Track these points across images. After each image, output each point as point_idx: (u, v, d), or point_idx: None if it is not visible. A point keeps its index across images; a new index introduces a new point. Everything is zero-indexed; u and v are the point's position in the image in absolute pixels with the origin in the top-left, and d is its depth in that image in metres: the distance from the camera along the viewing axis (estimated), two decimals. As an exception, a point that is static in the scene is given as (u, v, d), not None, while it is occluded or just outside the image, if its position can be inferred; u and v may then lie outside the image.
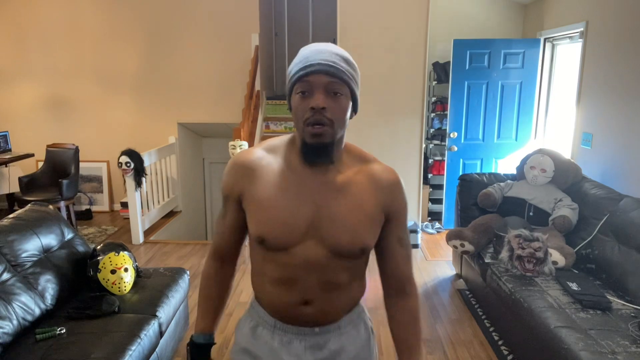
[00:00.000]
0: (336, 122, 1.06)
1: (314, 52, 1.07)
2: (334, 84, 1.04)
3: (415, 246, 4.48)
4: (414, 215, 4.89)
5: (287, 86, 1.10)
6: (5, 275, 2.26)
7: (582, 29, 3.79)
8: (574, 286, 2.58)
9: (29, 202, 4.23)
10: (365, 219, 1.14)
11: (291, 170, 1.14)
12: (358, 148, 1.21)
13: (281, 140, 1.20)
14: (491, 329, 3.01)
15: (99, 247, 2.68)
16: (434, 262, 4.15)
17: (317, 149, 1.08)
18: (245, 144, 4.33)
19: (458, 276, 3.81)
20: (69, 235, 2.76)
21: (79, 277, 2.60)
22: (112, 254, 2.60)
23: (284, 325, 1.21)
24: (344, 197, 1.13)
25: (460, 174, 4.14)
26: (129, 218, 4.67)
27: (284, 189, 1.13)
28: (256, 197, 1.14)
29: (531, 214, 3.32)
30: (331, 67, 1.04)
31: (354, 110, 1.12)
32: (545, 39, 4.58)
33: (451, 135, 4.82)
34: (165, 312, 2.48)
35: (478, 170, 4.85)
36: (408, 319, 1.24)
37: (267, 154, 1.18)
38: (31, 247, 2.46)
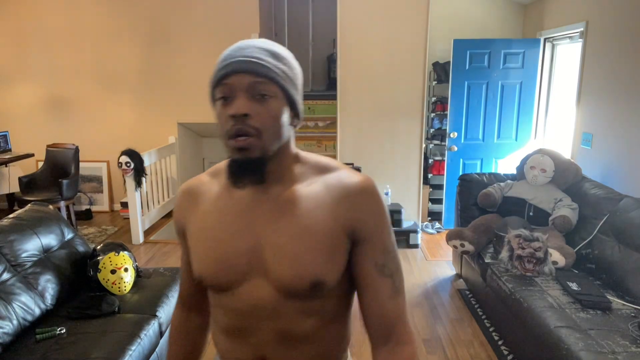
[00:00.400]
0: (265, 132, 0.85)
1: (235, 49, 0.88)
2: (259, 84, 0.84)
3: (415, 246, 4.49)
4: (414, 215, 4.89)
5: (209, 93, 0.91)
6: (5, 275, 2.26)
7: (582, 29, 3.79)
8: (574, 286, 2.58)
9: (29, 202, 4.23)
10: (315, 243, 0.88)
11: (229, 195, 0.94)
12: (316, 156, 0.97)
13: (226, 162, 0.99)
14: (491, 329, 3.01)
15: (99, 247, 2.68)
16: (434, 262, 4.15)
17: (244, 166, 0.87)
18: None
19: (458, 276, 3.81)
20: (69, 235, 2.76)
21: (79, 277, 2.60)
22: (112, 254, 2.60)
23: None
24: (289, 218, 0.90)
25: (460, 174, 4.14)
26: (129, 218, 4.67)
27: (220, 217, 0.94)
28: (194, 230, 0.97)
29: (531, 214, 3.31)
30: (253, 63, 0.84)
31: (296, 115, 0.92)
32: (545, 39, 4.58)
33: (451, 135, 4.82)
34: (165, 312, 2.47)
35: (478, 170, 4.85)
36: None
37: (210, 179, 0.99)
38: (31, 247, 2.46)
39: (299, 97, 0.91)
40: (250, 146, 0.85)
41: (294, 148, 0.95)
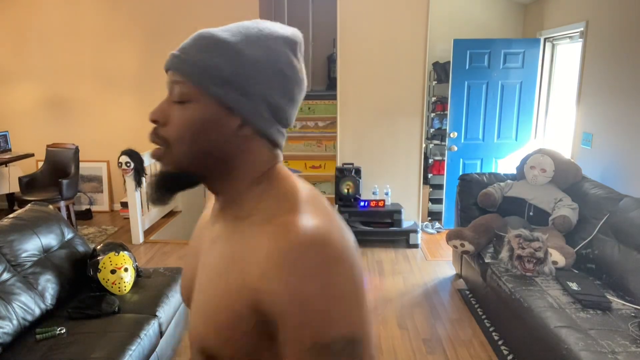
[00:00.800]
0: (175, 144, 0.67)
1: None
2: (175, 85, 0.68)
3: (415, 246, 4.49)
4: (414, 215, 4.89)
5: None
6: (5, 275, 2.26)
7: (582, 29, 3.79)
8: (574, 286, 2.57)
9: (29, 202, 4.22)
10: (211, 304, 0.66)
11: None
12: (288, 186, 0.70)
13: None
14: (491, 329, 3.01)
15: (99, 247, 2.69)
16: (434, 262, 4.15)
17: (157, 179, 0.71)
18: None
19: (458, 276, 3.81)
20: (69, 235, 2.76)
21: (79, 277, 2.60)
22: (112, 254, 2.60)
23: None
24: (215, 256, 0.70)
25: (460, 174, 4.14)
26: (129, 218, 4.67)
27: (198, 233, 0.83)
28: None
29: (531, 213, 3.32)
30: (173, 57, 0.70)
31: (247, 124, 0.68)
32: (545, 39, 4.58)
33: (451, 135, 4.81)
34: (165, 312, 2.48)
35: (478, 170, 4.85)
36: None
37: None
38: (31, 247, 2.46)
39: (244, 101, 0.67)
40: (158, 157, 0.70)
41: (262, 168, 0.71)
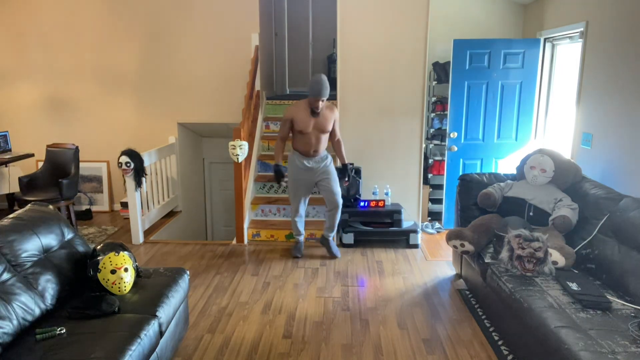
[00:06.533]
0: None
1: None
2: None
3: (415, 246, 4.49)
4: (414, 215, 4.89)
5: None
6: (5, 275, 2.26)
7: (582, 29, 3.79)
8: (574, 286, 2.58)
9: (29, 202, 4.23)
10: (327, 119, 4.00)
11: None
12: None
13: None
14: (491, 329, 3.01)
15: (99, 247, 2.68)
16: (434, 262, 4.15)
17: None
18: (245, 144, 4.33)
19: (458, 276, 3.81)
20: (69, 235, 2.77)
21: (79, 277, 2.60)
22: (112, 254, 2.60)
23: None
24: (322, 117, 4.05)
25: (460, 174, 4.14)
26: (129, 218, 4.67)
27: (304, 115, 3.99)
28: None
29: (531, 214, 3.32)
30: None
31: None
32: (545, 39, 4.58)
33: (451, 135, 4.81)
34: (165, 312, 2.47)
35: (478, 170, 4.85)
36: None
37: None
38: (31, 247, 2.46)
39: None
40: None
41: None
